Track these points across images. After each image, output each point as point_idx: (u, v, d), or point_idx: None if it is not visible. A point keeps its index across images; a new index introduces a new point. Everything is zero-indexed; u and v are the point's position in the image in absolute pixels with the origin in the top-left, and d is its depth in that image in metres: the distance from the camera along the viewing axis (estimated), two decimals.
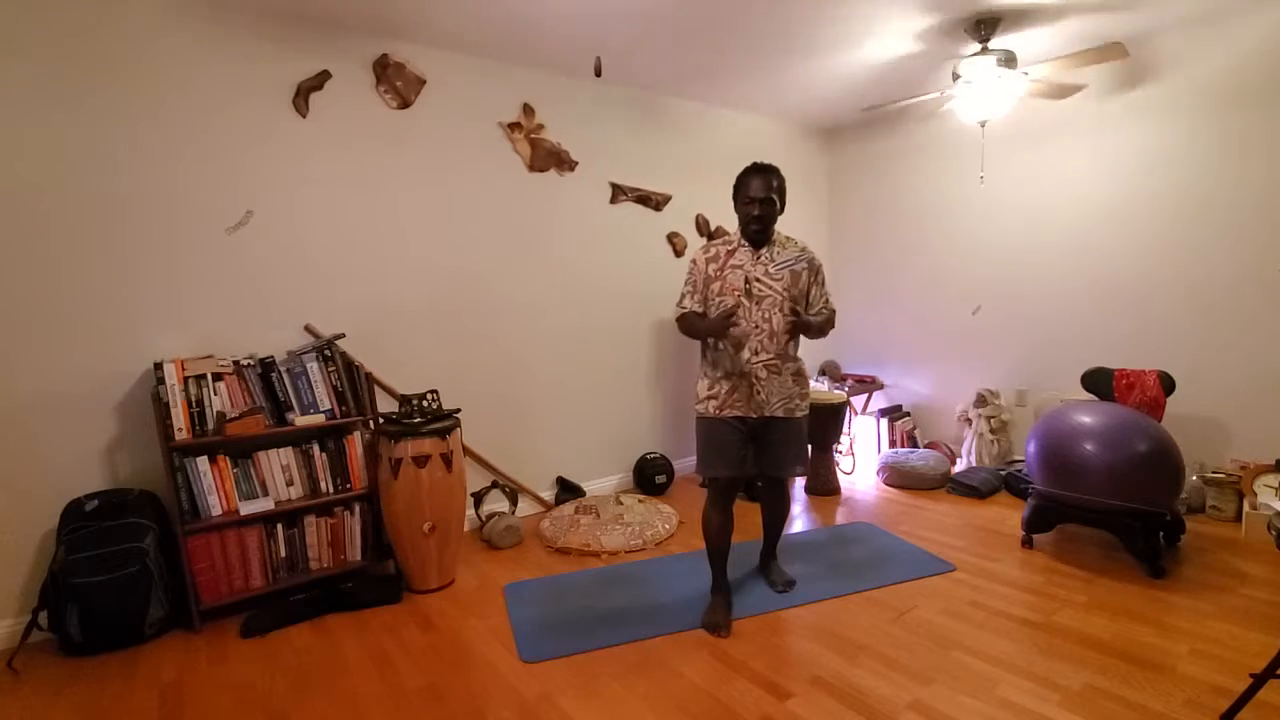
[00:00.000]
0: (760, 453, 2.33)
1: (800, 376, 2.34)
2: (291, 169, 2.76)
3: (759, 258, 2.25)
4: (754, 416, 2.26)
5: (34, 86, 2.26)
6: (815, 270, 2.32)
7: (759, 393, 2.25)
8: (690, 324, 2.31)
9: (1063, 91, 3.08)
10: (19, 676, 2.12)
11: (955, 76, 3.07)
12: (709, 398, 2.30)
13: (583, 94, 3.58)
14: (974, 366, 4.13)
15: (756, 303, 2.23)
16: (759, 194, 2.20)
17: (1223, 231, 3.10)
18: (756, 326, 2.23)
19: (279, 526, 2.55)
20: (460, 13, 2.72)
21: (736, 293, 2.23)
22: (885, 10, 2.78)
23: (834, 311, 2.35)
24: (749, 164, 2.26)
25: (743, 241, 2.28)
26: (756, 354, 2.23)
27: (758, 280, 2.23)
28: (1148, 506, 2.49)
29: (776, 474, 2.37)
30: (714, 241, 2.34)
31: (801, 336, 2.31)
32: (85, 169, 2.36)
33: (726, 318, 2.14)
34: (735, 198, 2.28)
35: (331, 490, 2.64)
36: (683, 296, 2.35)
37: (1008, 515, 3.25)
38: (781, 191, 2.25)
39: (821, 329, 2.28)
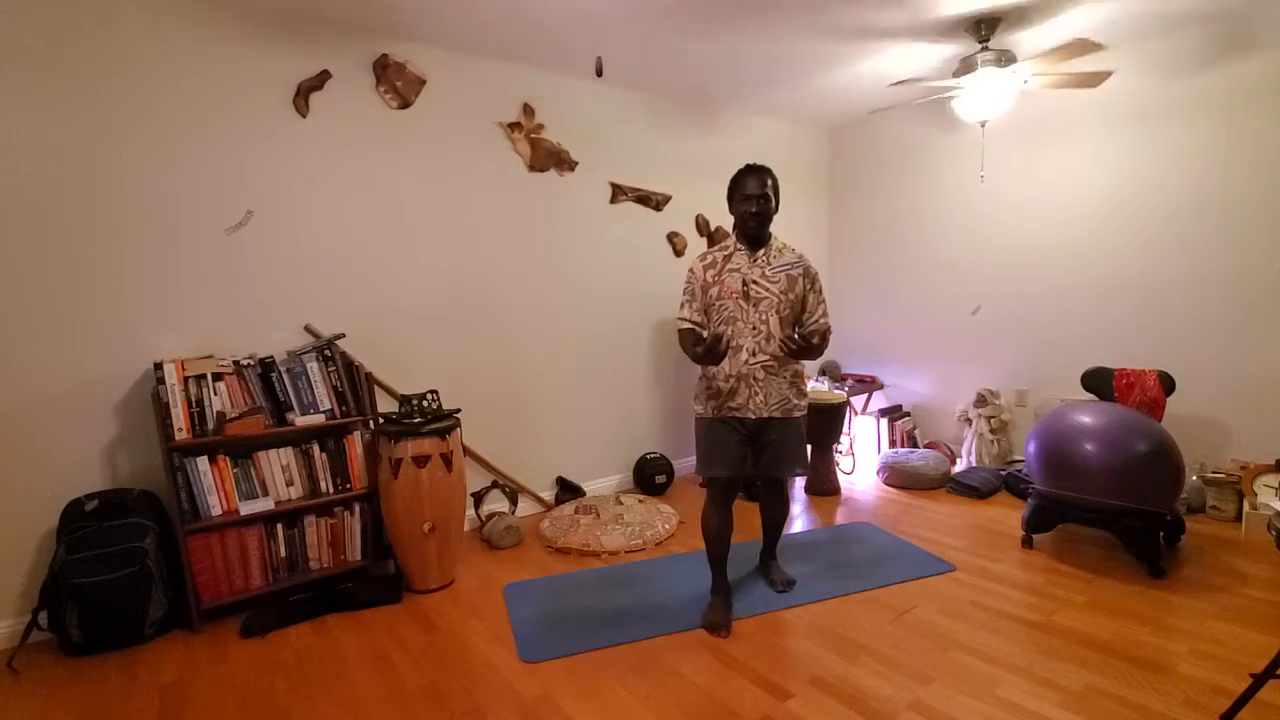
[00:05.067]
0: (758, 454, 2.33)
1: (798, 378, 2.33)
2: (291, 169, 2.76)
3: (755, 260, 2.26)
4: (752, 418, 2.26)
5: (33, 86, 2.26)
6: (812, 279, 2.31)
7: (757, 394, 2.25)
8: (689, 348, 2.23)
9: (1089, 80, 2.94)
10: (19, 676, 2.12)
11: (955, 75, 3.07)
12: (708, 398, 2.30)
13: (583, 94, 3.58)
14: (974, 366, 4.13)
15: (754, 304, 2.24)
16: (755, 191, 2.21)
17: (1223, 231, 3.10)
18: (754, 328, 2.23)
19: (279, 526, 2.54)
20: (460, 13, 2.72)
21: (735, 295, 2.24)
22: (886, 9, 2.78)
23: (829, 325, 2.30)
24: (743, 165, 2.29)
25: (739, 245, 2.29)
26: (754, 355, 2.23)
27: (755, 282, 2.24)
28: (1148, 506, 2.48)
29: (775, 474, 2.37)
30: (710, 249, 2.35)
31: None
32: (85, 169, 2.36)
33: (716, 346, 2.03)
34: (731, 198, 2.31)
35: (331, 490, 2.64)
36: (682, 306, 2.35)
37: (1008, 515, 3.25)
38: (776, 190, 2.27)
39: (820, 348, 2.18)
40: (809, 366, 4.72)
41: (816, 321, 2.30)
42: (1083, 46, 2.61)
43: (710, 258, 2.32)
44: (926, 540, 2.97)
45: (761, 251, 2.28)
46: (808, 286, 2.30)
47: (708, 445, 2.31)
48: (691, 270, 2.34)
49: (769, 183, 2.24)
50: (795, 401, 2.30)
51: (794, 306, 2.27)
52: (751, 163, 2.29)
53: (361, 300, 2.97)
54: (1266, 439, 3.03)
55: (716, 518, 2.31)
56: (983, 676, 1.93)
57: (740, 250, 2.28)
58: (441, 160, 3.15)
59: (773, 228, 2.35)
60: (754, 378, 2.24)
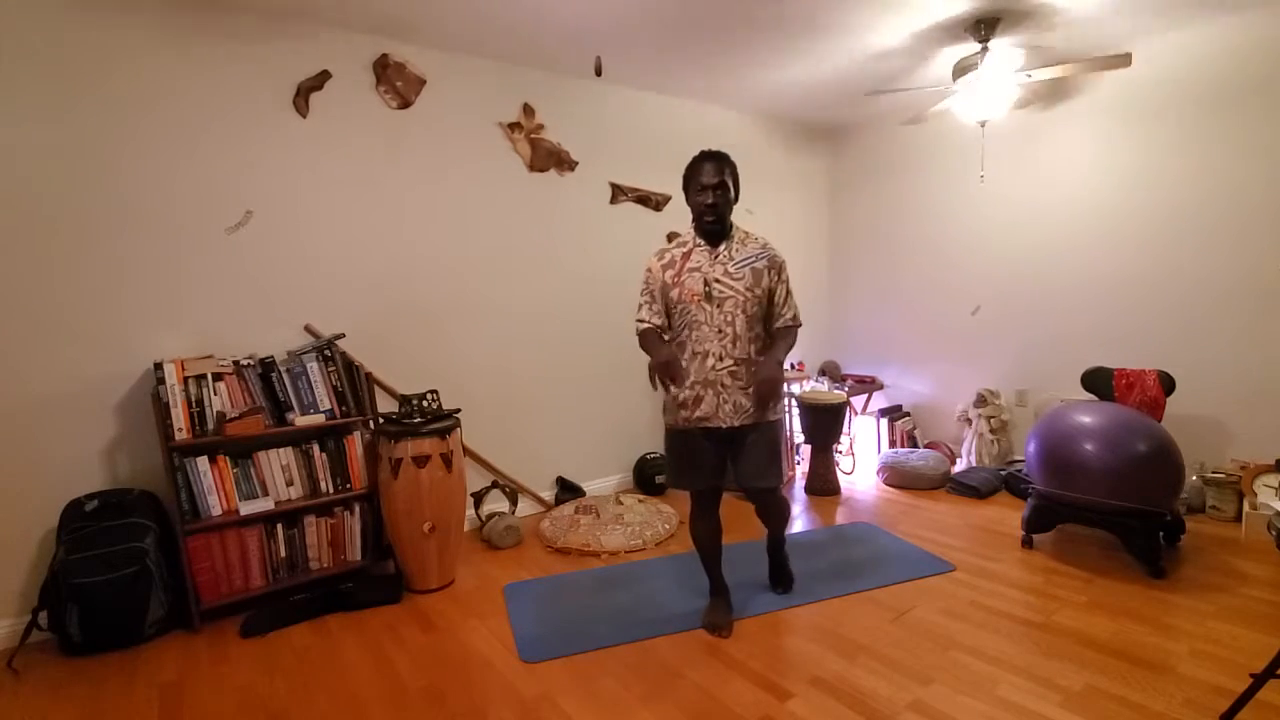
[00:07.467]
0: (735, 460, 2.22)
1: None
2: (291, 169, 2.76)
3: (717, 257, 2.12)
4: (723, 427, 2.14)
5: (33, 86, 2.26)
6: (778, 267, 2.17)
7: (725, 402, 2.12)
8: (648, 346, 2.12)
9: (1108, 64, 2.83)
10: (19, 676, 2.12)
11: (955, 76, 3.07)
12: (676, 407, 2.18)
13: (583, 94, 3.58)
14: (974, 366, 4.13)
15: (718, 305, 2.09)
16: (711, 180, 2.06)
17: (1222, 231, 3.10)
18: (719, 331, 2.10)
19: (279, 526, 2.55)
20: (460, 13, 2.72)
21: (696, 298, 2.10)
22: (886, 9, 2.78)
23: (797, 315, 2.20)
24: (698, 152, 2.14)
25: (698, 241, 2.16)
26: (721, 359, 2.10)
27: (717, 281, 2.10)
28: (1148, 506, 2.48)
29: (754, 485, 2.22)
30: (667, 246, 2.22)
31: (766, 334, 2.20)
32: (85, 169, 2.36)
33: (665, 370, 1.95)
34: (687, 188, 2.15)
35: (331, 490, 2.64)
36: (640, 308, 2.19)
37: (1008, 515, 3.25)
38: (735, 178, 2.13)
39: (788, 348, 2.14)
40: (808, 366, 4.73)
41: (786, 323, 2.17)
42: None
43: (668, 255, 2.17)
44: (926, 540, 2.97)
45: (723, 246, 2.13)
46: (775, 278, 2.16)
47: (679, 458, 2.22)
48: (649, 269, 2.19)
49: (726, 169, 2.10)
50: (769, 404, 2.16)
51: (761, 302, 2.14)
52: (707, 149, 2.14)
53: (361, 300, 2.97)
54: (1266, 439, 3.03)
55: (703, 526, 2.26)
56: (983, 676, 1.93)
57: (700, 246, 2.14)
58: (441, 160, 3.15)
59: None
60: (721, 384, 2.11)
